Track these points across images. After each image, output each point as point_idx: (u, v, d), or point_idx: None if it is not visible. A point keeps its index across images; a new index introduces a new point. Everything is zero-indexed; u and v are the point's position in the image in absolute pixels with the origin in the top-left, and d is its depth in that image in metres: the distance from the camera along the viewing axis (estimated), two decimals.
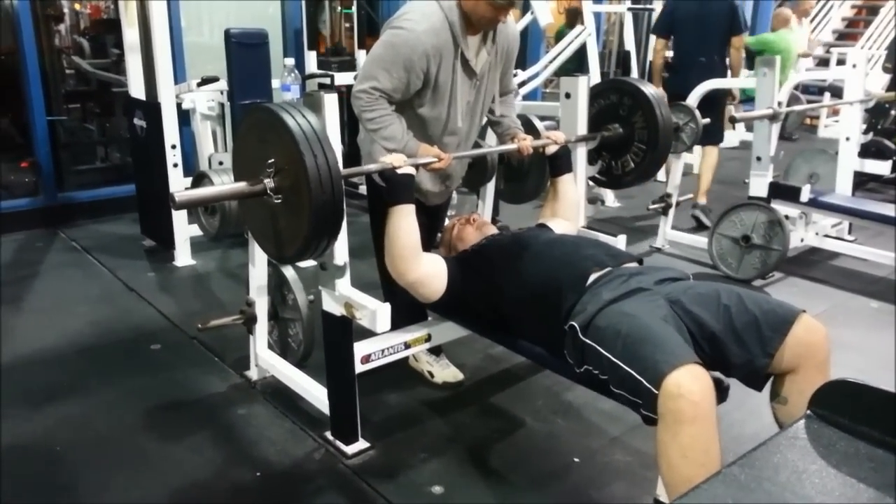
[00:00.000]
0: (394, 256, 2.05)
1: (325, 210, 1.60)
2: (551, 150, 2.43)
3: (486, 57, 2.26)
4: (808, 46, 7.60)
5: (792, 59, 6.14)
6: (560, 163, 2.47)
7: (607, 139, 2.64)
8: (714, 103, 4.46)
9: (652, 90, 2.60)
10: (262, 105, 1.75)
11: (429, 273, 2.09)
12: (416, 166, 2.06)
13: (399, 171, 1.98)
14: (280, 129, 1.61)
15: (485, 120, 2.52)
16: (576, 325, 1.77)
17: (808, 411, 0.98)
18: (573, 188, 2.51)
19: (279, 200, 1.65)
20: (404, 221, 2.00)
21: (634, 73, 6.00)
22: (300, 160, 1.56)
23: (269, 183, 1.64)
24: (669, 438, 1.50)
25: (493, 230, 2.40)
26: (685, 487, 1.46)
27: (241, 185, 1.67)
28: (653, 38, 6.30)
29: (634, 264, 2.02)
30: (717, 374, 1.80)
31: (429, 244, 2.64)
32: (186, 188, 1.68)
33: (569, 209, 2.48)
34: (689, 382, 1.48)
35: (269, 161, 1.65)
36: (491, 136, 3.11)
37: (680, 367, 1.50)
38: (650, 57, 6.35)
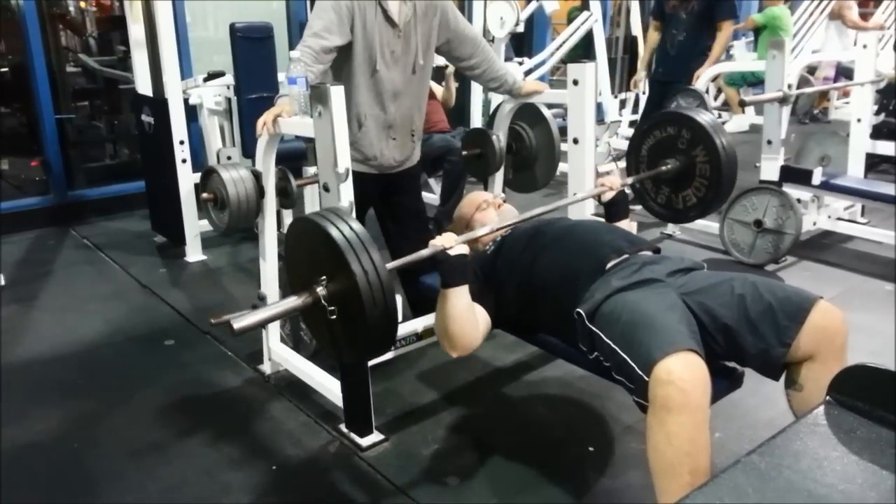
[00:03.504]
0: (450, 338, 1.93)
1: (380, 319, 1.56)
2: (607, 197, 2.32)
3: (406, 10, 2.41)
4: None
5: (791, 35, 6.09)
6: (617, 209, 2.34)
7: (667, 174, 2.49)
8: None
9: (709, 119, 2.41)
10: (306, 217, 1.71)
11: (485, 331, 2.02)
12: (468, 242, 1.96)
13: (452, 253, 1.87)
14: (325, 240, 1.58)
15: (426, 91, 2.65)
16: (582, 311, 1.76)
17: (828, 397, 0.97)
18: (631, 231, 2.37)
19: (333, 312, 1.61)
20: (461, 303, 1.89)
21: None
22: (349, 272, 1.52)
23: (321, 292, 1.60)
24: (656, 424, 1.49)
25: (515, 216, 2.37)
26: (669, 474, 1.48)
27: (295, 300, 1.63)
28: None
29: (650, 253, 2.00)
30: (732, 363, 1.80)
31: (403, 224, 2.68)
32: (241, 318, 1.60)
33: None
34: (679, 370, 1.47)
35: (320, 272, 1.62)
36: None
37: (672, 355, 1.49)
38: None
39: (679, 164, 2.45)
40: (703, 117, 2.41)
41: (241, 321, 1.56)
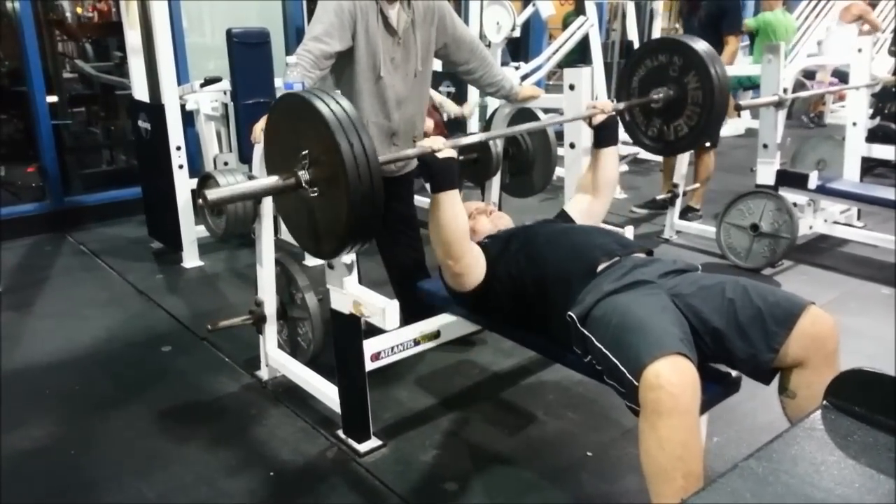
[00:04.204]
0: (445, 244, 1.93)
1: (364, 201, 1.50)
2: (598, 119, 2.35)
3: (405, 17, 2.43)
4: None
5: (790, 39, 6.09)
6: (607, 133, 2.36)
7: (658, 102, 2.46)
8: None
9: (704, 47, 2.38)
10: (292, 92, 1.66)
11: (475, 258, 2.03)
12: (457, 148, 1.94)
13: (440, 156, 1.87)
14: (312, 116, 1.50)
15: (428, 97, 2.71)
16: (574, 315, 1.76)
17: (824, 402, 0.97)
18: (615, 161, 2.42)
19: (315, 194, 1.54)
20: (453, 208, 1.90)
21: None
22: (335, 148, 1.45)
23: (303, 175, 1.54)
24: (648, 428, 1.49)
25: (509, 223, 2.38)
26: (662, 478, 1.48)
27: (275, 179, 1.57)
28: (656, 26, 6.26)
29: (642, 255, 2.00)
30: (724, 367, 1.80)
31: (394, 230, 2.67)
32: (215, 191, 1.56)
33: (608, 183, 2.40)
34: (668, 373, 1.47)
35: (303, 152, 1.54)
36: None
37: (661, 358, 1.48)
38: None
39: (671, 92, 2.43)
40: (697, 44, 2.38)
41: (215, 193, 1.53)
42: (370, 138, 1.52)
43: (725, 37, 4.57)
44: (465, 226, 1.96)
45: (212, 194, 1.52)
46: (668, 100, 2.45)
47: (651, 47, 2.57)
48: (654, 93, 2.47)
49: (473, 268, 2.03)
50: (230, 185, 1.58)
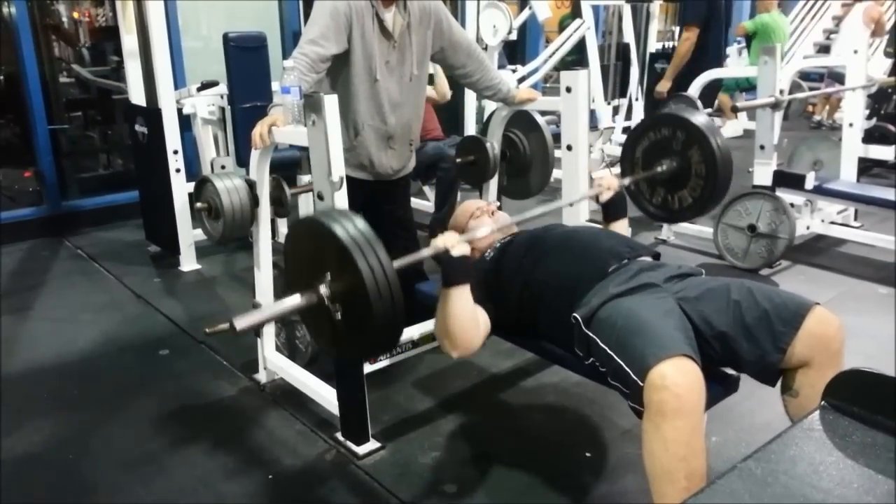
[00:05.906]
0: (452, 335, 1.89)
1: (387, 319, 1.52)
2: (605, 197, 2.32)
3: (401, 21, 2.43)
4: None
5: (785, 41, 6.10)
6: (615, 209, 2.34)
7: (662, 174, 2.47)
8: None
9: (703, 120, 2.40)
10: (310, 217, 1.70)
11: (485, 332, 2.00)
12: (471, 242, 1.93)
13: (454, 253, 1.85)
14: (330, 239, 1.54)
15: (424, 97, 2.67)
16: (578, 316, 1.77)
17: (823, 402, 0.97)
18: (626, 230, 2.39)
19: (338, 311, 1.57)
20: (464, 301, 1.88)
21: (634, 65, 5.97)
22: (355, 269, 1.48)
23: (325, 292, 1.56)
24: (652, 429, 1.50)
25: (507, 220, 2.37)
26: (665, 479, 1.48)
27: (298, 298, 1.59)
28: (652, 29, 6.26)
29: (649, 259, 2.00)
30: (728, 369, 1.80)
31: (390, 233, 2.64)
32: (242, 318, 1.58)
33: None
34: (673, 375, 1.48)
35: (324, 270, 1.58)
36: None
37: (666, 360, 1.49)
38: (650, 49, 6.29)
39: (674, 164, 2.44)
40: (698, 118, 2.40)
41: (243, 321, 1.53)
42: (386, 254, 1.53)
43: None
44: (473, 320, 1.92)
45: (239, 323, 1.51)
46: (672, 172, 2.45)
47: (652, 122, 2.57)
48: (657, 166, 2.47)
49: (485, 335, 2.00)
50: (256, 314, 1.60)
